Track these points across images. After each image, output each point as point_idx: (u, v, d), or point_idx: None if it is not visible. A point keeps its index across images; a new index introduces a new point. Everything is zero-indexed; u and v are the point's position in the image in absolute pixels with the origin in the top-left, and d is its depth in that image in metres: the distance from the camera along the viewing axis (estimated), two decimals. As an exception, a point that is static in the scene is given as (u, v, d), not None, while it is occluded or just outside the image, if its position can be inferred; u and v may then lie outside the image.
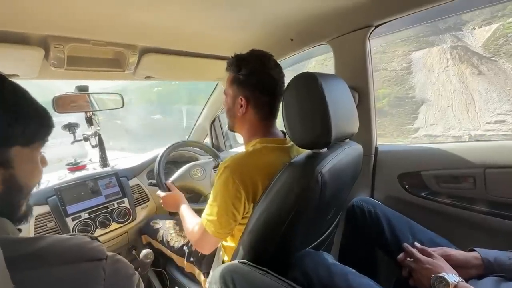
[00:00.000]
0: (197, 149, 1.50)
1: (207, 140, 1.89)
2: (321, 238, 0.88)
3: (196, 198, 1.52)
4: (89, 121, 1.18)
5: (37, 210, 1.07)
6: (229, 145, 1.89)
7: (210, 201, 0.75)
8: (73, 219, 1.11)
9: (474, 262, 0.70)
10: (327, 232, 0.91)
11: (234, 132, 0.92)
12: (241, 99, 0.77)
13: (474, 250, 0.73)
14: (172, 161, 1.60)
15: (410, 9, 0.86)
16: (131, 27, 0.86)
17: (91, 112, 1.18)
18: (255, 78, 0.76)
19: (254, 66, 0.77)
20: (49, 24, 0.75)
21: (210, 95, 1.68)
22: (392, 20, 0.92)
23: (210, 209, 0.75)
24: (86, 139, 1.24)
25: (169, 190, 1.13)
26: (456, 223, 0.95)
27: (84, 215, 1.14)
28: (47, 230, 1.06)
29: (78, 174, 1.28)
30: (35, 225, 1.04)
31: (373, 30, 0.97)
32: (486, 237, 0.89)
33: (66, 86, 1.18)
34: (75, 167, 1.29)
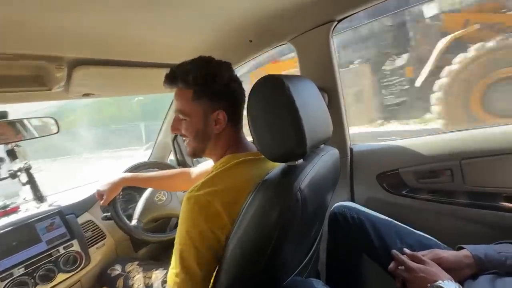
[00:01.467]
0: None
1: (172, 157, 1.72)
2: (307, 258, 0.80)
3: (164, 226, 1.35)
4: (11, 154, 0.96)
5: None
6: (196, 160, 1.74)
7: (176, 249, 0.59)
8: (2, 280, 0.88)
9: (465, 261, 0.67)
10: (312, 249, 0.83)
11: (200, 157, 0.77)
12: (219, 113, 0.65)
13: (463, 248, 0.71)
14: (131, 186, 1.41)
15: (371, 1, 0.81)
16: (51, 35, 0.68)
17: (11, 144, 0.95)
18: (232, 85, 0.68)
19: (229, 73, 0.68)
20: None
21: (169, 108, 1.52)
22: (354, 13, 0.88)
23: (179, 255, 0.58)
24: (13, 175, 1.01)
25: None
26: (439, 218, 0.93)
27: (19, 271, 0.92)
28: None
29: (10, 218, 1.04)
30: None
31: (335, 25, 0.92)
32: (471, 229, 0.87)
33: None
34: (3, 211, 1.05)
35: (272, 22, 0.94)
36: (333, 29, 0.93)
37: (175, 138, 1.63)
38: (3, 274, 0.89)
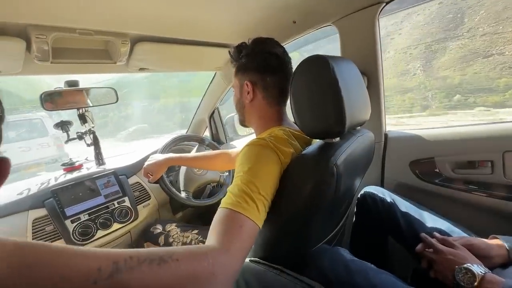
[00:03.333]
0: (196, 143, 1.45)
1: (207, 133, 1.83)
2: (335, 231, 0.85)
3: (200, 193, 1.48)
4: (82, 118, 1.11)
5: (34, 214, 1.02)
6: (230, 137, 1.83)
7: (236, 175, 0.58)
8: (72, 222, 1.06)
9: (497, 250, 0.66)
10: (340, 224, 0.88)
11: (246, 127, 0.83)
12: (247, 84, 0.72)
13: (496, 238, 0.69)
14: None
15: None
16: (121, 14, 0.78)
17: (83, 109, 1.10)
18: (258, 58, 0.72)
19: (255, 47, 0.73)
20: (28, 11, 0.67)
21: (208, 86, 1.60)
22: (404, -5, 0.85)
23: (238, 180, 0.55)
24: (80, 137, 1.17)
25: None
26: (473, 210, 0.91)
27: (84, 217, 1.09)
28: (45, 235, 1.02)
29: (75, 174, 1.22)
30: (32, 229, 0.99)
31: (383, 7, 0.90)
32: (506, 223, 0.86)
33: (55, 82, 1.10)
34: (71, 167, 1.24)
35: (316, 3, 0.94)
36: (381, 11, 0.91)
37: (211, 115, 1.73)
38: (73, 218, 1.06)
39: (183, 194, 1.24)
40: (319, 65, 0.60)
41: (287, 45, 1.17)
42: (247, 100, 0.74)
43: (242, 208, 0.49)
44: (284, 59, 0.74)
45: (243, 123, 0.81)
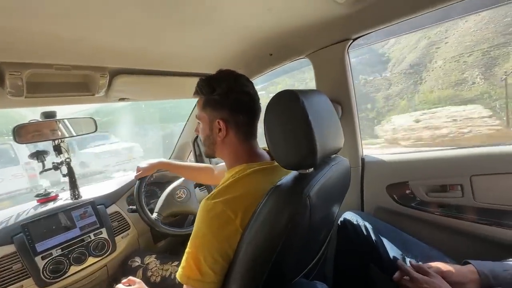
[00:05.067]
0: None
1: (191, 158, 1.82)
2: (315, 260, 0.84)
3: (182, 222, 1.44)
4: (57, 149, 1.09)
5: (1, 252, 0.96)
6: (214, 162, 1.83)
7: (189, 251, 0.63)
8: (43, 258, 1.00)
9: (470, 276, 0.67)
10: (320, 252, 0.87)
11: (213, 158, 0.84)
12: (219, 122, 0.71)
13: (469, 263, 0.71)
14: (155, 182, 1.52)
15: (386, 21, 0.85)
16: (98, 50, 0.80)
17: (59, 140, 1.09)
18: (231, 96, 0.70)
19: (228, 84, 0.70)
20: (1, 49, 0.67)
21: (191, 111, 1.62)
22: (369, 33, 0.92)
23: (193, 256, 0.62)
24: (55, 167, 1.14)
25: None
26: (447, 233, 0.93)
27: (56, 252, 1.04)
28: (13, 274, 0.95)
29: (50, 205, 1.17)
30: (-3, 269, 0.93)
31: (351, 43, 0.97)
32: (479, 245, 0.88)
33: (32, 113, 1.09)
34: (45, 198, 1.19)
35: (291, 38, 1.00)
36: (349, 46, 0.98)
37: (195, 139, 1.73)
38: (44, 253, 1.01)
39: (153, 215, 1.20)
40: (289, 99, 0.62)
41: (263, 76, 1.22)
42: (219, 138, 0.73)
43: (186, 278, 0.62)
44: (254, 97, 0.74)
45: (211, 156, 0.80)
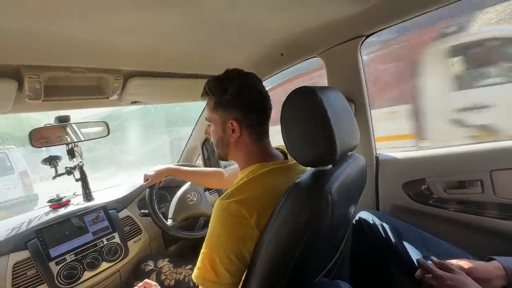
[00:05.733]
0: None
1: (199, 162, 1.82)
2: (334, 259, 0.83)
3: (193, 225, 1.43)
4: (71, 153, 1.09)
5: (15, 258, 0.95)
6: (223, 166, 1.82)
7: (204, 252, 0.62)
8: (57, 264, 0.99)
9: (496, 272, 0.65)
10: (338, 251, 0.86)
11: (226, 160, 0.81)
12: (232, 123, 0.69)
13: (493, 259, 0.69)
14: (164, 186, 1.52)
15: (399, 18, 0.85)
16: (113, 52, 0.81)
17: (73, 144, 1.09)
18: (243, 95, 0.68)
19: (239, 83, 0.69)
20: (21, 53, 0.68)
21: (200, 115, 1.63)
22: (382, 29, 0.92)
23: (209, 257, 0.60)
24: (69, 172, 1.14)
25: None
26: (467, 230, 0.91)
27: (70, 257, 1.03)
28: (27, 280, 0.94)
29: (62, 211, 1.17)
30: (12, 275, 0.92)
31: (364, 40, 0.97)
32: (501, 241, 0.86)
33: (46, 118, 1.10)
34: (58, 203, 1.19)
35: (303, 37, 1.00)
36: (362, 43, 0.98)
37: (204, 142, 1.73)
38: (59, 259, 1.00)
39: (169, 222, 1.20)
40: (307, 95, 0.61)
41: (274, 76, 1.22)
42: (233, 139, 0.71)
43: (202, 279, 0.60)
44: (265, 95, 0.72)
45: (224, 159, 0.78)
